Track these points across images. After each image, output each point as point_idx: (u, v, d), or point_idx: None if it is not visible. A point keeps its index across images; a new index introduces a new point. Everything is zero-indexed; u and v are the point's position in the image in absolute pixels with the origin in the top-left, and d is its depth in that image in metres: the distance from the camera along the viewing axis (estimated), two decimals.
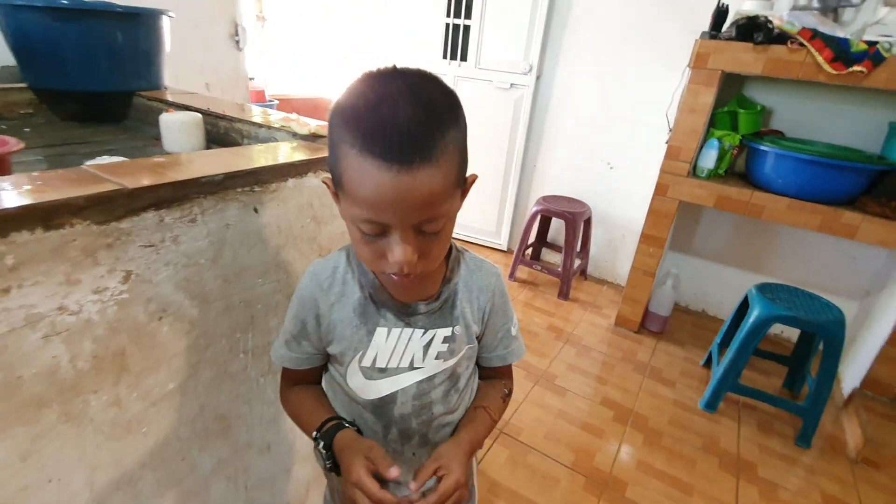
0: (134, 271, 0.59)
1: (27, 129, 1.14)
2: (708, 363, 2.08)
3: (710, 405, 1.81)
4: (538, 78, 2.61)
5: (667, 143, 2.03)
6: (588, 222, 2.63)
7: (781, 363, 2.00)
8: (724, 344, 1.97)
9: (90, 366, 0.58)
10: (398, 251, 0.46)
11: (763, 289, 1.79)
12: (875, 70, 1.57)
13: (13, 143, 0.65)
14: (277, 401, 0.83)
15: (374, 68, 0.46)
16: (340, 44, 4.09)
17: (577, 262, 2.56)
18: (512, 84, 2.65)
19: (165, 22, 1.28)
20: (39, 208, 0.49)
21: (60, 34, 1.11)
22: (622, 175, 2.59)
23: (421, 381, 0.60)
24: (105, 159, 0.95)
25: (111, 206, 0.54)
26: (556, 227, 2.83)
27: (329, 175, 0.50)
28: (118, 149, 1.05)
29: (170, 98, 1.25)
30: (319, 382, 0.69)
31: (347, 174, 0.44)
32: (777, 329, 2.35)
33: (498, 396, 0.68)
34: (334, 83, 6.85)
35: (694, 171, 2.02)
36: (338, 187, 0.49)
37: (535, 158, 2.81)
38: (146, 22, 1.22)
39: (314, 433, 0.58)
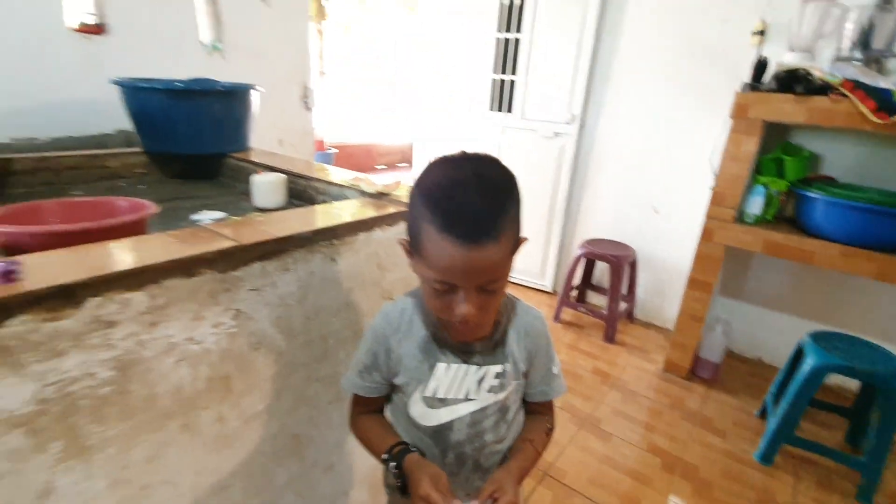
0: (242, 310, 0.73)
1: (142, 186, 1.37)
2: (763, 414, 2.01)
3: (766, 458, 1.75)
4: (581, 126, 2.73)
5: (711, 188, 2.06)
6: (633, 265, 2.65)
7: (843, 415, 1.91)
8: (779, 394, 1.91)
9: (205, 386, 0.71)
10: (463, 307, 0.57)
11: (817, 337, 1.75)
12: None
13: (152, 207, 0.83)
14: (341, 425, 0.95)
15: (446, 154, 0.59)
16: (392, 95, 4.41)
17: (622, 306, 2.57)
18: (556, 133, 2.78)
19: (254, 95, 1.51)
20: (184, 261, 0.64)
21: (173, 109, 1.34)
22: (668, 219, 2.62)
23: (475, 412, 0.69)
24: (206, 213, 1.14)
25: (231, 259, 0.69)
26: (601, 270, 2.86)
27: (406, 238, 0.63)
28: (215, 203, 1.25)
29: (255, 158, 1.46)
30: (381, 411, 0.79)
31: (426, 246, 0.56)
32: (839, 379, 2.24)
33: (542, 431, 0.76)
34: (387, 131, 7.27)
35: (741, 217, 2.03)
36: (414, 250, 0.61)
37: (580, 202, 2.89)
38: (240, 96, 1.45)
39: (384, 455, 0.68)
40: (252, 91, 1.49)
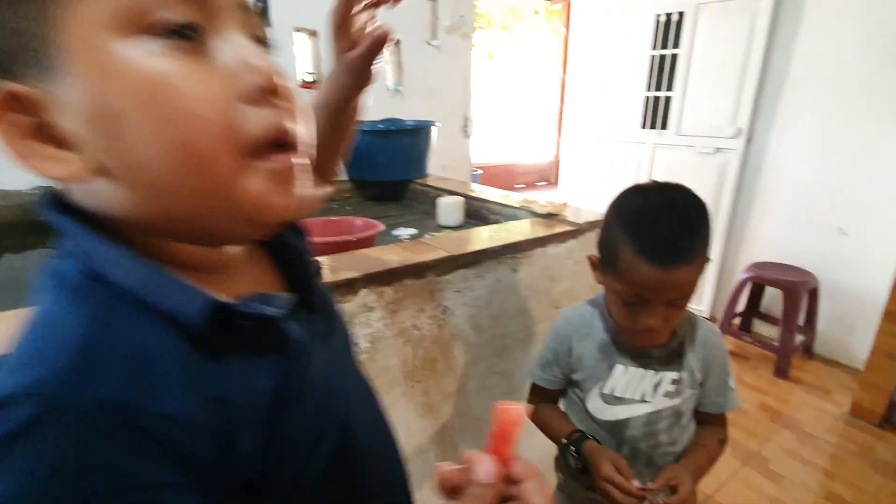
0: (448, 307, 0.93)
1: (349, 207, 1.72)
2: None
3: None
4: (748, 141, 2.55)
5: None
6: (814, 293, 2.36)
7: None
8: None
9: (419, 364, 0.92)
10: (650, 319, 0.67)
11: None
12: None
13: (381, 226, 1.09)
14: None
15: (639, 183, 0.71)
16: (531, 114, 4.56)
17: (798, 338, 2.31)
18: (717, 148, 2.63)
19: (433, 130, 1.78)
20: (415, 265, 0.85)
21: (374, 145, 1.66)
22: (857, 241, 2.29)
23: (650, 413, 0.78)
24: (402, 230, 1.40)
25: (445, 265, 0.89)
26: (771, 298, 2.60)
27: (596, 255, 0.75)
28: (406, 221, 1.51)
29: (432, 183, 1.72)
30: (556, 403, 0.91)
31: (622, 265, 0.68)
32: None
33: (715, 440, 0.81)
34: (527, 150, 7.44)
35: None
36: (606, 267, 0.72)
37: (745, 222, 2.68)
38: (422, 132, 1.73)
39: (563, 440, 0.80)
40: (432, 127, 1.76)
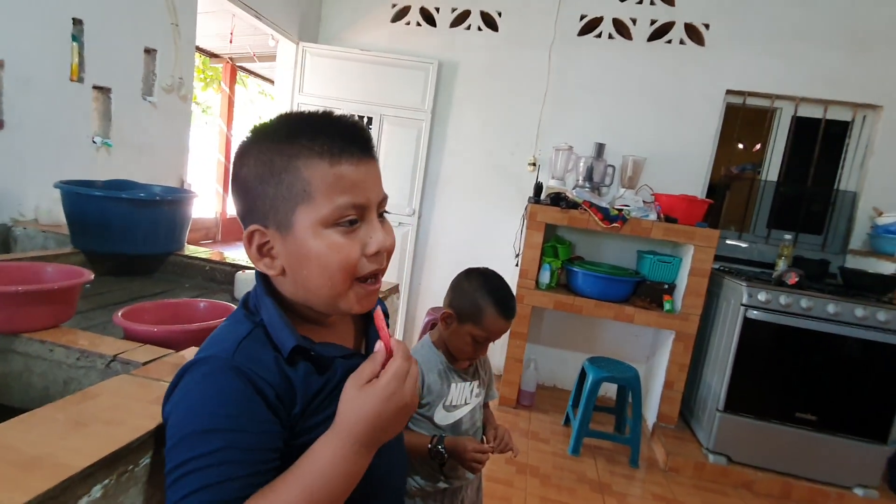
0: None
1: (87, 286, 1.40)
2: (567, 422, 2.85)
3: (575, 450, 2.54)
4: (419, 217, 3.45)
5: (517, 265, 2.95)
6: None
7: (610, 412, 2.89)
8: (574, 405, 2.78)
9: None
10: (484, 352, 1.09)
11: (592, 360, 2.69)
12: (624, 225, 2.73)
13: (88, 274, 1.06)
14: None
15: (472, 268, 1.12)
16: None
17: None
18: (400, 223, 3.42)
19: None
20: None
21: (133, 213, 1.46)
22: None
23: (472, 409, 1.16)
24: None
25: None
26: None
27: (449, 311, 1.10)
28: (200, 295, 1.41)
29: (189, 253, 1.63)
30: None
31: (486, 319, 1.07)
32: (603, 390, 3.30)
33: (490, 413, 1.28)
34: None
35: (537, 285, 2.95)
36: (465, 320, 1.08)
37: (420, 277, 3.54)
38: (187, 201, 1.63)
39: (429, 446, 1.07)
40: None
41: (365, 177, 0.56)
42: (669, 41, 3.06)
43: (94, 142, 1.90)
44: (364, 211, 0.56)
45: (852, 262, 2.88)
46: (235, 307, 0.64)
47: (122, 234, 1.43)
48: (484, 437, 1.24)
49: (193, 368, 0.52)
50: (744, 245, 3.09)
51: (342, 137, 0.55)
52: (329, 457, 0.50)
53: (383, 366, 0.54)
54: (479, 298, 1.09)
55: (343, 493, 0.51)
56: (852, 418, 2.38)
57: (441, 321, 1.14)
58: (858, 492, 2.39)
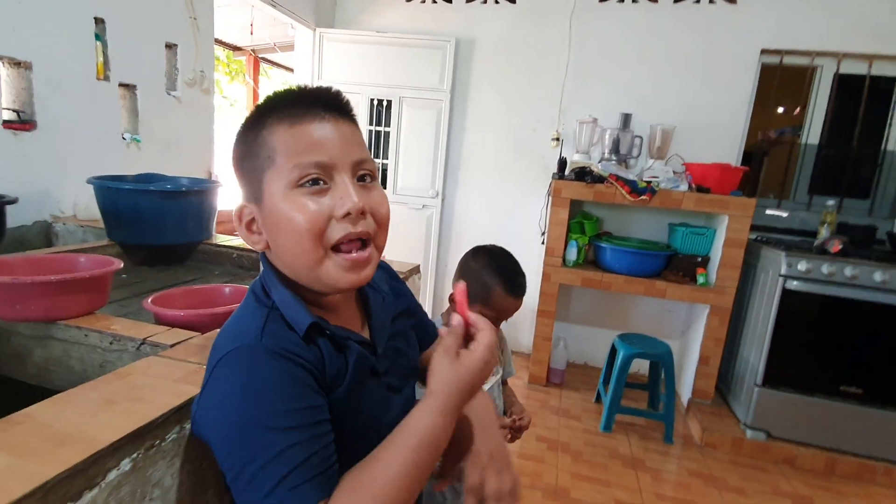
0: None
1: (124, 276, 1.47)
2: (598, 399, 2.83)
3: (607, 427, 2.52)
4: (443, 199, 3.43)
5: (543, 244, 2.91)
6: None
7: (643, 389, 2.84)
8: (605, 382, 2.75)
9: None
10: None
11: (622, 337, 2.64)
12: (653, 197, 2.64)
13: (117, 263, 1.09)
14: None
15: (480, 245, 1.10)
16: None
17: None
18: (423, 205, 3.42)
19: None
20: None
21: (162, 205, 1.51)
22: None
23: (490, 388, 1.17)
24: None
25: None
26: None
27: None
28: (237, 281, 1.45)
29: (220, 242, 1.68)
30: None
31: (494, 298, 1.07)
32: (635, 367, 3.24)
33: (509, 388, 1.30)
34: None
35: (564, 263, 2.91)
36: (474, 300, 1.07)
37: (446, 258, 3.55)
38: (211, 190, 1.67)
39: None
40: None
41: (330, 135, 0.55)
42: (698, 0, 2.90)
43: (123, 138, 1.97)
44: (330, 171, 0.55)
45: None
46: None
47: (153, 225, 1.48)
48: (509, 413, 1.24)
49: (225, 362, 0.52)
50: (784, 214, 2.94)
51: (307, 101, 0.56)
52: (430, 423, 0.53)
53: (463, 337, 0.58)
54: (485, 277, 1.08)
55: (439, 455, 0.54)
56: None
57: (450, 302, 1.13)
58: None
